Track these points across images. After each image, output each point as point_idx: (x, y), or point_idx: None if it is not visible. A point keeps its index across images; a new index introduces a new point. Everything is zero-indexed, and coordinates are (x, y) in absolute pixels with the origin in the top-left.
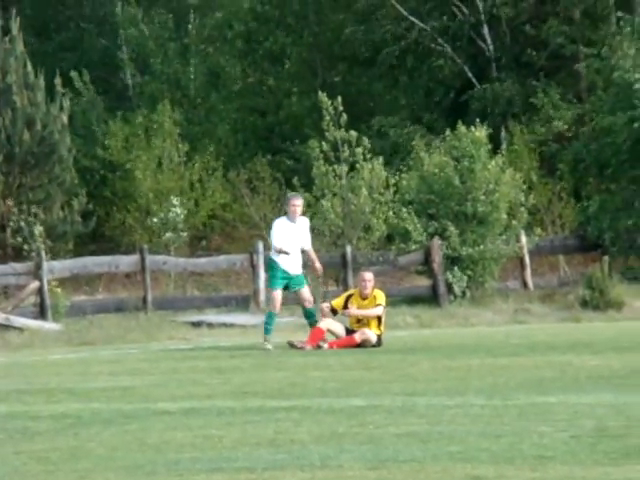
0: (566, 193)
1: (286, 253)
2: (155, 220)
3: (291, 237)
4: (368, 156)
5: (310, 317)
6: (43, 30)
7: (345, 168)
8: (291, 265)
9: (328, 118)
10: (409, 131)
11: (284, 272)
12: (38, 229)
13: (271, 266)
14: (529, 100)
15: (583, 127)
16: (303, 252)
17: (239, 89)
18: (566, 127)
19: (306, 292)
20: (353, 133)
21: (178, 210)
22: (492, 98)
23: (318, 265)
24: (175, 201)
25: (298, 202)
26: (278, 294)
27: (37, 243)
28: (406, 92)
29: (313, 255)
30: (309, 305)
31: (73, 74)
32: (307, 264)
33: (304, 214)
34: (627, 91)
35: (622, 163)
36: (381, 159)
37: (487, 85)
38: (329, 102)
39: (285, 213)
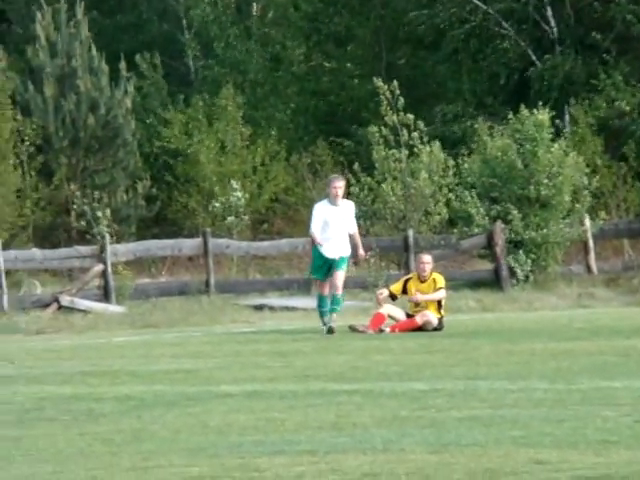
0: (631, 176)
1: (319, 244)
2: (217, 204)
3: (332, 220)
4: (425, 139)
5: (335, 304)
6: (104, 12)
7: (405, 152)
8: (332, 251)
9: (385, 103)
10: (472, 122)
11: (324, 258)
12: (103, 212)
13: (313, 251)
14: (590, 81)
15: None
16: (350, 236)
17: (301, 72)
18: (629, 109)
19: (338, 276)
20: (410, 116)
21: (239, 194)
22: (553, 76)
23: (361, 252)
24: (235, 185)
25: (339, 184)
26: (323, 282)
27: (101, 226)
28: (470, 76)
29: (358, 240)
30: (337, 292)
31: (138, 58)
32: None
33: (365, 197)
34: None
35: None
36: (438, 143)
37: (549, 57)
38: (386, 87)
39: (327, 196)
